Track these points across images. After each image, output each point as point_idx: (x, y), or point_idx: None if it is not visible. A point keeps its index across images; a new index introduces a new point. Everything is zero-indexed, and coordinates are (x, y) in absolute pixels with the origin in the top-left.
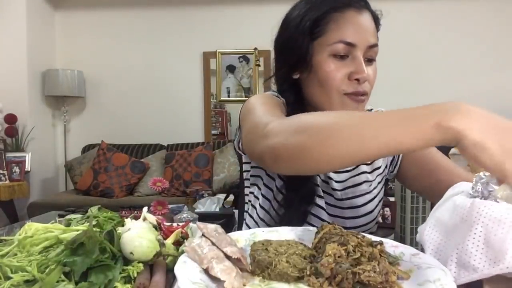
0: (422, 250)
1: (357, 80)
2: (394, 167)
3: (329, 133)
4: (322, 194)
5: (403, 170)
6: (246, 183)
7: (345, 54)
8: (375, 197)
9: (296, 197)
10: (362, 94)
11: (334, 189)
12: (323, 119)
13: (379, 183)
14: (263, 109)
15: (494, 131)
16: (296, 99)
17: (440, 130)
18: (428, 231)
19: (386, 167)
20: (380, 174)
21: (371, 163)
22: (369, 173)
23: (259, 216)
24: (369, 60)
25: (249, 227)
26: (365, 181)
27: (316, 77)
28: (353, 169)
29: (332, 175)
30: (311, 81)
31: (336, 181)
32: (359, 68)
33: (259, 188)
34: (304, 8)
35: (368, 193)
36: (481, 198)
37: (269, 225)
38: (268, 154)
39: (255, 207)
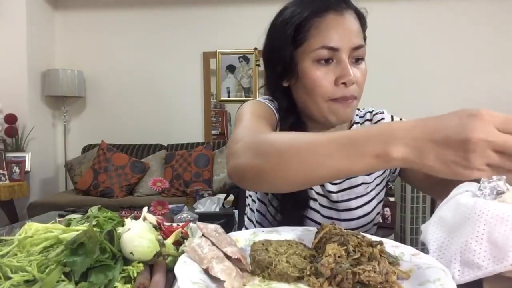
0: (423, 250)
1: (344, 84)
2: (395, 168)
3: (282, 159)
4: (315, 196)
5: (407, 171)
6: None
7: (329, 59)
8: (372, 199)
9: (291, 202)
10: (351, 98)
11: (330, 191)
12: (279, 143)
13: (378, 185)
14: (248, 120)
15: (430, 145)
16: (288, 105)
17: (382, 161)
18: (431, 230)
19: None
20: (380, 176)
21: None
22: (367, 175)
23: (256, 220)
24: (357, 61)
25: None
26: (362, 183)
27: (303, 85)
28: None
29: None
30: (299, 89)
31: (332, 183)
32: (344, 72)
33: (256, 192)
34: (286, 16)
35: (364, 195)
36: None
37: None
38: (233, 174)
39: (253, 211)
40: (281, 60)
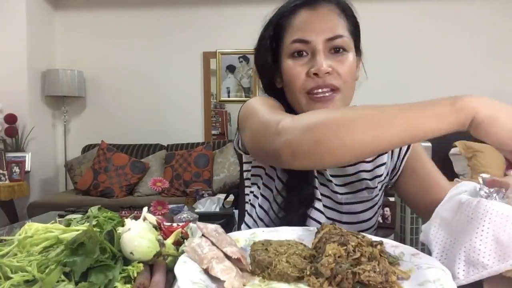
0: (423, 250)
1: (316, 74)
2: (394, 176)
3: (344, 123)
4: (320, 197)
5: (403, 185)
6: (247, 183)
7: (304, 53)
8: (375, 204)
9: (296, 200)
10: (329, 89)
11: (335, 192)
12: (337, 112)
13: (379, 190)
14: (266, 109)
15: (502, 107)
16: (286, 106)
17: (454, 110)
18: (433, 231)
19: (387, 174)
20: (381, 181)
21: (372, 170)
22: (370, 180)
23: (258, 216)
24: (337, 52)
25: (249, 227)
26: (366, 188)
27: (285, 82)
28: (352, 174)
29: (332, 178)
30: (285, 88)
31: (337, 185)
32: (315, 63)
33: (259, 188)
34: (268, 19)
35: (368, 200)
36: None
37: (267, 226)
38: (285, 150)
39: (254, 206)
40: (267, 62)
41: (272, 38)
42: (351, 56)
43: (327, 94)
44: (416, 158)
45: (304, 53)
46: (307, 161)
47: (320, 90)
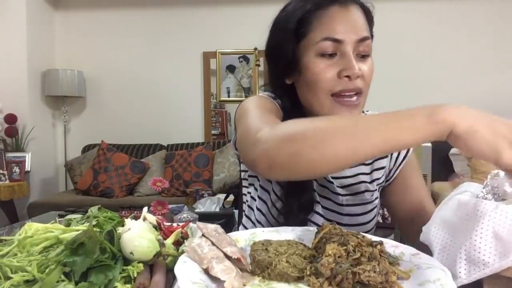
0: (423, 250)
1: (348, 77)
2: (387, 181)
3: (322, 135)
4: (318, 199)
5: (391, 191)
6: (244, 183)
7: (333, 52)
8: (374, 207)
9: (296, 206)
10: (355, 92)
11: (337, 193)
12: (315, 124)
13: (377, 192)
14: (257, 113)
15: (483, 118)
16: (292, 104)
17: (432, 122)
18: (434, 232)
19: (385, 177)
20: (379, 184)
21: (370, 173)
22: (369, 183)
23: (257, 219)
24: (363, 56)
25: (246, 229)
26: (366, 191)
27: (305, 80)
28: (351, 176)
29: (332, 180)
30: (301, 85)
31: (338, 186)
32: (349, 65)
33: (256, 189)
34: (289, 10)
35: (369, 202)
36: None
37: None
38: (261, 161)
39: (252, 209)
40: (284, 55)
41: (294, 31)
42: (371, 60)
43: (353, 98)
44: (409, 169)
45: (334, 53)
46: (284, 173)
47: (347, 94)
